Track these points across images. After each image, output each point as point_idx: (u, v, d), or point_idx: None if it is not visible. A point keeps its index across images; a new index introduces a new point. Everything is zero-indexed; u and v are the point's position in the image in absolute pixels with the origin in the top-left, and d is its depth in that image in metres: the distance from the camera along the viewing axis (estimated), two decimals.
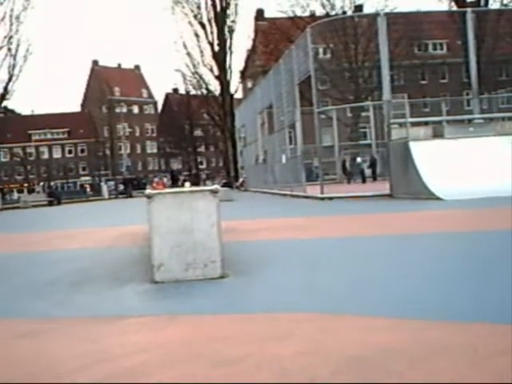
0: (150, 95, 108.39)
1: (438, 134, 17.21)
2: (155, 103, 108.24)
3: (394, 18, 31.23)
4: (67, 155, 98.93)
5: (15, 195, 63.00)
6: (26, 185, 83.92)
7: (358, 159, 38.28)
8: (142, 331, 3.80)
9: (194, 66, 55.03)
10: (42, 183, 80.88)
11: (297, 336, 3.34)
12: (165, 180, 48.38)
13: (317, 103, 20.33)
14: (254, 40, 58.30)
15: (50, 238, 11.83)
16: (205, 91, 57.25)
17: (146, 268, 5.51)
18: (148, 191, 5.50)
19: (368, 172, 37.68)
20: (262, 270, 5.84)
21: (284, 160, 24.82)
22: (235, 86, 57.12)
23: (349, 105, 42.39)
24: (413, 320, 3.52)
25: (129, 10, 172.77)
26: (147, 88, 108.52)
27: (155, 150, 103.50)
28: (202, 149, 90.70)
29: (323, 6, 49.55)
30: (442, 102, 33.18)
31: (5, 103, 51.03)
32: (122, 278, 5.79)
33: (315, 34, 22.58)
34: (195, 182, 54.62)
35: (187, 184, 18.53)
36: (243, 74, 58.88)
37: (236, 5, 52.95)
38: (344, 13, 48.63)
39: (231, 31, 53.23)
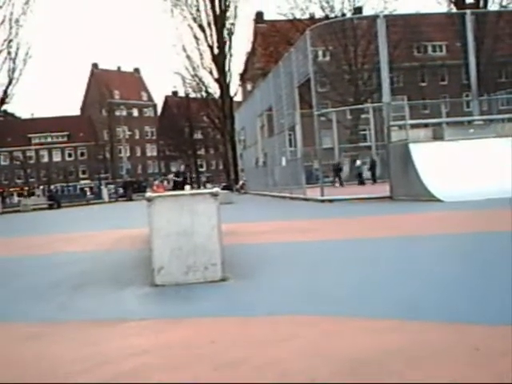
0: (150, 98, 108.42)
1: (437, 136, 17.21)
2: (155, 106, 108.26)
3: (393, 20, 31.27)
4: (67, 158, 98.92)
5: (15, 199, 63.00)
6: (26, 188, 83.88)
7: (357, 162, 38.23)
8: (144, 334, 3.80)
9: (194, 68, 55.07)
10: (41, 187, 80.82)
11: (298, 338, 3.34)
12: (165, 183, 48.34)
13: (316, 106, 20.33)
14: (254, 42, 58.31)
15: (51, 241, 11.83)
16: (204, 94, 57.24)
17: (147, 271, 5.51)
18: (148, 194, 5.51)
19: (368, 174, 37.64)
20: (262, 272, 5.84)
21: (284, 162, 24.80)
22: (235, 89, 57.19)
23: (348, 107, 42.36)
24: (416, 322, 3.53)
25: (128, 13, 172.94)
26: (147, 91, 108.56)
27: (155, 153, 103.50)
28: (201, 151, 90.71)
29: (322, 8, 49.62)
30: (442, 104, 33.14)
31: (4, 107, 50.86)
32: (122, 281, 5.80)
33: (314, 36, 22.58)
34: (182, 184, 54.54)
35: (187, 187, 18.51)
36: (243, 77, 58.90)
37: (235, 7, 52.99)
38: (343, 15, 48.68)
39: (230, 34, 53.28)
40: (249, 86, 58.24)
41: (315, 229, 10.51)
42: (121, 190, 54.45)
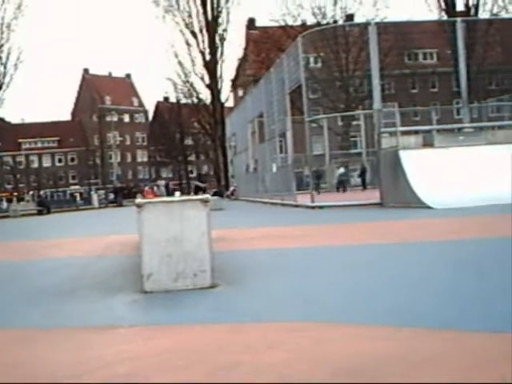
0: (141, 104, 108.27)
1: (428, 143, 17.26)
2: (146, 112, 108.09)
3: (384, 28, 31.40)
4: (57, 164, 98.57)
5: (4, 204, 62.63)
6: (15, 194, 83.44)
7: (341, 169, 37.83)
8: (134, 341, 3.78)
9: (185, 74, 55.09)
10: (31, 192, 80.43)
11: (287, 345, 3.32)
12: (155, 189, 48.09)
13: (307, 112, 20.37)
14: (246, 49, 58.40)
15: (40, 247, 11.77)
16: (196, 100, 57.28)
17: (136, 278, 5.48)
18: (138, 200, 5.49)
19: (358, 181, 37.60)
20: (252, 279, 5.83)
21: (274, 169, 24.82)
22: (226, 95, 57.14)
23: (340, 114, 42.48)
24: (409, 328, 3.52)
25: (120, 19, 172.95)
26: (138, 97, 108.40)
27: (146, 159, 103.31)
28: (192, 157, 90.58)
29: (314, 15, 49.77)
30: (433, 111, 33.26)
31: None
32: (111, 287, 5.77)
33: (306, 43, 22.65)
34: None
35: (177, 193, 18.38)
36: (234, 83, 58.97)
37: (227, 14, 53.06)
38: (335, 22, 48.85)
39: (222, 40, 53.34)
40: (240, 92, 58.32)
41: (305, 235, 10.51)
42: (111, 196, 54.28)
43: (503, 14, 45.12)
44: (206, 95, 55.17)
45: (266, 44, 49.72)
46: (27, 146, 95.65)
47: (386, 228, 11.06)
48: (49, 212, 38.90)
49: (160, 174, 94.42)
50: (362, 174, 37.22)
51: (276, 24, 50.77)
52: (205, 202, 5.29)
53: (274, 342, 3.43)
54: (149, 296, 5.12)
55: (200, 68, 53.87)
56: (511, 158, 15.58)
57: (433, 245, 7.73)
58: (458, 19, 21.48)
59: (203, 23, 52.93)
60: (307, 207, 19.12)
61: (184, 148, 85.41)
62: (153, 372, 2.97)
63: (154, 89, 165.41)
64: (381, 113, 18.14)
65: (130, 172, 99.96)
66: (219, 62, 53.37)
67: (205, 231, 5.26)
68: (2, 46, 46.29)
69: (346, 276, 5.72)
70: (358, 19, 48.39)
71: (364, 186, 35.70)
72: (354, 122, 44.04)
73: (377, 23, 20.94)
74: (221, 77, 53.91)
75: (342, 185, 35.97)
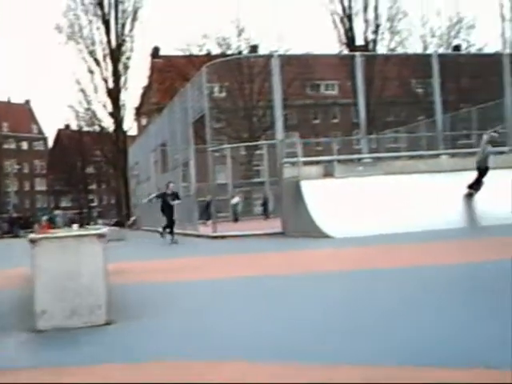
0: (40, 131, 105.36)
1: (328, 173, 17.61)
2: (45, 139, 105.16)
3: (287, 59, 31.99)
4: None
5: None
6: None
7: (234, 199, 37.76)
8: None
9: (88, 102, 54.13)
10: None
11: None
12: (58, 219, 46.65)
13: (211, 141, 20.42)
14: (150, 77, 58.14)
15: None
16: (98, 128, 56.32)
17: (29, 315, 5.22)
18: (32, 235, 5.27)
19: (260, 210, 37.81)
20: (150, 314, 5.68)
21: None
22: (129, 123, 56.55)
23: (243, 144, 42.84)
24: (289, 363, 3.50)
25: (19, 44, 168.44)
26: (37, 123, 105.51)
27: (45, 188, 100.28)
28: (93, 186, 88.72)
29: (219, 45, 50.25)
30: (334, 142, 34.06)
31: None
32: (1, 325, 5.47)
33: (211, 72, 22.77)
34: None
35: (75, 226, 17.75)
36: (138, 111, 58.48)
37: (132, 42, 52.70)
38: (240, 52, 49.47)
39: (126, 68, 52.85)
40: (144, 121, 57.82)
41: (206, 266, 10.43)
42: (6, 226, 52.18)
43: (399, 50, 47.12)
44: (108, 123, 54.40)
45: (170, 73, 49.65)
46: None
47: (282, 259, 11.13)
48: None
49: (59, 203, 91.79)
50: (265, 204, 37.54)
51: (181, 53, 50.94)
52: (101, 236, 5.14)
53: (171, 379, 3.33)
54: (41, 335, 4.89)
55: (103, 96, 53.16)
56: (407, 188, 16.18)
57: (326, 275, 7.81)
58: (357, 54, 22.21)
59: (107, 51, 52.36)
60: (209, 237, 19.04)
61: (85, 176, 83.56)
62: None
63: (54, 116, 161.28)
64: (283, 143, 18.40)
65: (27, 201, 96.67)
66: (122, 90, 52.86)
67: (101, 266, 5.10)
68: None
69: (245, 309, 5.68)
70: (262, 50, 49.22)
71: (266, 215, 35.96)
72: (258, 152, 44.49)
73: (280, 55, 21.32)
74: (124, 105, 53.38)
75: (236, 214, 35.94)
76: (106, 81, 52.65)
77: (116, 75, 52.46)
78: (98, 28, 52.14)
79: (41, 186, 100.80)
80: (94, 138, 61.12)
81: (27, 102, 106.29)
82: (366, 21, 46.75)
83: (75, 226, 17.07)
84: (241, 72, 47.31)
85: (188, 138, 22.37)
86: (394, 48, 46.94)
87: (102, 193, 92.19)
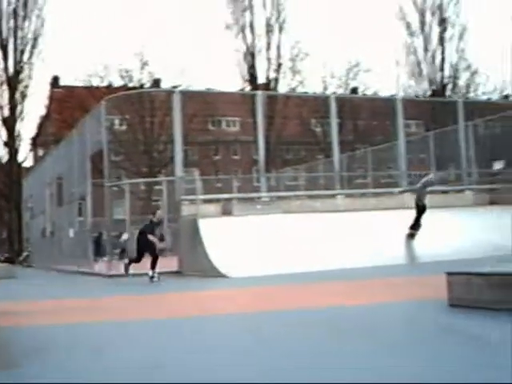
0: None
1: (227, 211, 17.55)
2: None
3: (189, 95, 31.97)
4: None
5: None
6: None
7: (124, 236, 36.95)
8: None
9: None
10: None
11: None
12: None
13: (109, 176, 19.98)
14: (49, 107, 56.65)
15: None
16: None
17: None
18: None
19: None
20: (32, 361, 5.29)
21: (72, 234, 23.85)
22: (25, 154, 54.60)
23: (142, 179, 42.36)
24: None
25: None
26: None
27: None
28: None
29: (121, 77, 49.68)
30: (234, 179, 34.21)
31: None
32: None
33: (111, 105, 22.38)
34: None
35: None
36: (35, 142, 56.72)
37: (30, 69, 51.18)
38: (142, 85, 49.06)
39: (24, 96, 51.17)
40: (41, 152, 56.11)
41: (99, 308, 10.01)
42: None
43: (300, 89, 48.20)
44: (2, 153, 52.37)
45: (70, 103, 48.55)
46: None
47: (178, 300, 10.87)
48: None
49: None
50: (161, 241, 36.94)
51: (82, 84, 50.01)
52: None
53: None
54: None
55: None
56: (305, 228, 16.31)
57: (216, 318, 7.64)
58: (259, 93, 22.51)
59: (4, 78, 50.65)
60: (104, 276, 18.44)
61: None
62: None
63: None
64: (182, 180, 18.21)
65: None
66: (19, 120, 51.14)
67: None
68: None
69: (135, 352, 5.41)
70: (165, 84, 49.05)
71: (161, 253, 35.28)
72: (157, 187, 43.98)
73: (181, 91, 21.19)
74: (19, 135, 51.59)
75: (125, 252, 34.87)
76: (1, 109, 50.88)
77: (12, 103, 50.74)
78: None
79: None
80: None
81: None
82: (269, 59, 47.60)
83: None
84: (142, 105, 46.85)
85: (85, 172, 21.76)
86: (295, 87, 47.96)
87: None
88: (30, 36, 50.69)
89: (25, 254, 40.18)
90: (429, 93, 47.77)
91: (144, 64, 49.70)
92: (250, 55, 47.46)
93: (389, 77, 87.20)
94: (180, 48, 77.56)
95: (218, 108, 48.11)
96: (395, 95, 29.61)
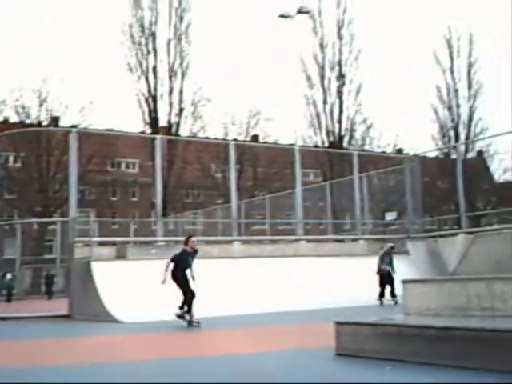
0: None
1: (121, 255, 17.21)
2: None
3: (89, 135, 31.53)
4: None
5: None
6: None
7: (8, 275, 35.58)
8: None
9: None
10: None
11: None
12: None
13: (0, 214, 19.23)
14: None
15: None
16: None
17: None
18: None
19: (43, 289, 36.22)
20: None
21: None
22: None
23: (35, 219, 41.07)
24: None
25: None
26: None
27: None
28: None
29: (18, 113, 48.27)
30: (131, 222, 33.74)
31: None
32: None
33: (6, 141, 21.70)
34: None
35: None
36: None
37: None
38: (40, 123, 47.82)
39: None
40: None
41: None
42: None
43: (201, 134, 48.43)
44: None
45: None
46: None
47: (60, 347, 10.49)
48: None
49: None
50: (49, 282, 36.07)
51: None
52: None
53: None
54: None
55: None
56: (200, 273, 16.18)
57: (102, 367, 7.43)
58: (158, 136, 22.45)
59: None
60: None
61: None
62: None
63: None
64: (76, 221, 17.75)
65: None
66: None
67: None
68: None
69: None
70: (63, 122, 48.07)
71: (50, 295, 34.24)
72: (51, 227, 42.68)
73: (79, 131, 20.76)
74: None
75: (10, 294, 33.67)
76: None
77: None
78: None
79: None
80: None
81: None
82: (171, 104, 47.62)
83: None
84: (39, 143, 45.58)
85: None
86: (196, 132, 48.15)
87: None
88: None
89: None
90: (327, 143, 49.11)
91: (42, 101, 48.57)
92: (152, 98, 47.34)
93: (289, 126, 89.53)
94: (81, 86, 76.49)
95: (117, 149, 47.67)
96: (294, 144, 30.16)
